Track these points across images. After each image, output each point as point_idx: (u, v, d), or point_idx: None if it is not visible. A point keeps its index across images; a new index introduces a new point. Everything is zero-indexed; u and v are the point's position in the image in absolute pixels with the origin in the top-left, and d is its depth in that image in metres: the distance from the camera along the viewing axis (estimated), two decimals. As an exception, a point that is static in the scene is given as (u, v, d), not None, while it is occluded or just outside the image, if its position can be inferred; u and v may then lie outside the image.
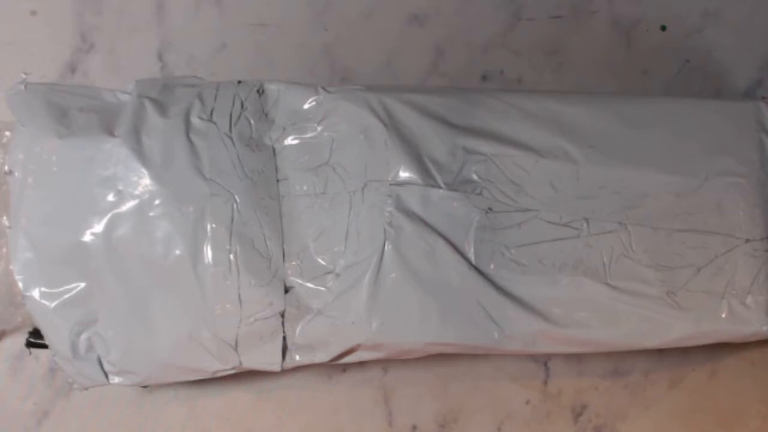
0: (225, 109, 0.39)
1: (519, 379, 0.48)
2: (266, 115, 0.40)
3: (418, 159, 0.39)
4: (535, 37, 0.51)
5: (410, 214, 0.38)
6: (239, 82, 0.40)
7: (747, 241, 0.40)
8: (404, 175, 0.38)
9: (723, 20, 0.52)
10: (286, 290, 0.38)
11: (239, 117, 0.39)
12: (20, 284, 0.37)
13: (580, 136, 0.40)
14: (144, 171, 0.37)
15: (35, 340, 0.40)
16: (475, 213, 0.39)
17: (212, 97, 0.39)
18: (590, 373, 0.48)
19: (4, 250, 0.40)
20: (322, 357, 0.39)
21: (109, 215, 0.37)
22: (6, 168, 0.37)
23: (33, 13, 0.49)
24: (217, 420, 0.46)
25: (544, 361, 0.48)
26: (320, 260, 0.39)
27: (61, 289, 0.37)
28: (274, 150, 0.39)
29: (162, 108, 0.39)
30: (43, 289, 0.37)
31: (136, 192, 0.37)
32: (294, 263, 0.39)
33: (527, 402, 0.48)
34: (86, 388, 0.39)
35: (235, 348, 0.38)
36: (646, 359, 0.48)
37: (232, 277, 0.37)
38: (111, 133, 0.38)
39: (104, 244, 0.37)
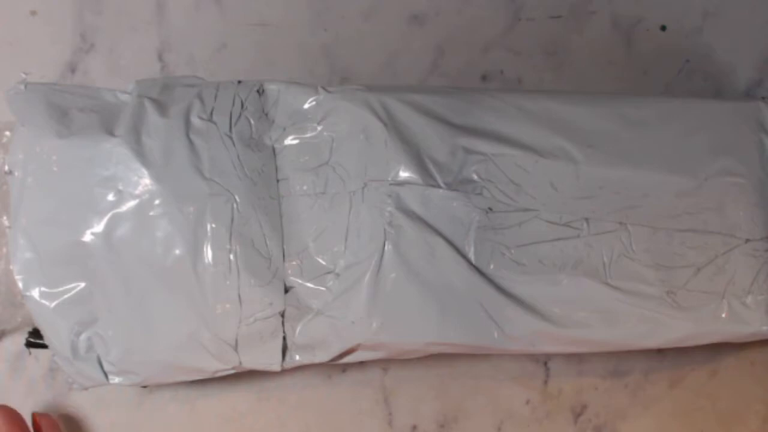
0: (225, 109, 0.39)
1: (519, 379, 0.48)
2: (266, 115, 0.40)
3: (418, 159, 0.39)
4: (535, 37, 0.51)
5: (410, 214, 0.38)
6: (239, 82, 0.40)
7: (747, 241, 0.40)
8: (404, 175, 0.38)
9: (723, 20, 0.52)
10: (286, 290, 0.38)
11: (239, 117, 0.39)
12: (20, 284, 0.37)
13: (580, 136, 0.40)
14: (144, 171, 0.37)
15: (35, 340, 0.40)
16: (475, 213, 0.39)
17: (212, 97, 0.39)
18: (590, 373, 0.48)
19: (4, 250, 0.40)
20: (322, 357, 0.39)
21: (109, 215, 0.37)
22: (6, 168, 0.37)
23: (33, 13, 0.49)
24: (217, 420, 0.46)
25: (544, 361, 0.48)
26: (320, 260, 0.39)
27: (61, 289, 0.37)
28: (274, 150, 0.39)
29: (162, 108, 0.38)
30: (43, 289, 0.37)
31: (136, 192, 0.37)
32: (294, 263, 0.39)
33: (527, 402, 0.48)
34: (86, 388, 0.39)
35: (235, 348, 0.38)
36: (646, 359, 0.48)
37: (232, 277, 0.37)
38: (111, 132, 0.38)
39: (104, 244, 0.37)
